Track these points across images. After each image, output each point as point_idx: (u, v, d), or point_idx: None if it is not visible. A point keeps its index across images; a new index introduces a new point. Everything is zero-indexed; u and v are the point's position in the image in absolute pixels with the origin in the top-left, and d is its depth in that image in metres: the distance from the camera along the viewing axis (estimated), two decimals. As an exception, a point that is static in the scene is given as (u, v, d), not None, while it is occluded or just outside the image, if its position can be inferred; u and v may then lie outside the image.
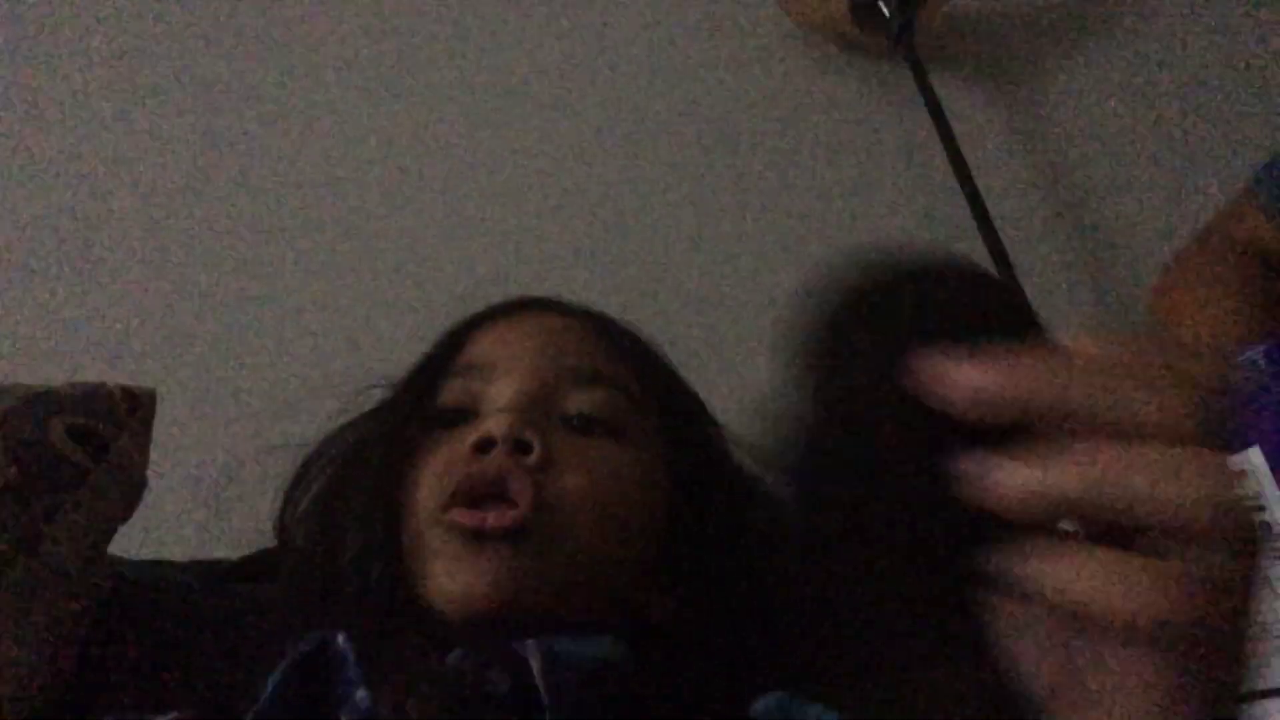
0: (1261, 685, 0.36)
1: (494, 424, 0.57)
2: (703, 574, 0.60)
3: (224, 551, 0.73)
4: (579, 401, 0.61)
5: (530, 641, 0.49)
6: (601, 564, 0.57)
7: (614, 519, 0.57)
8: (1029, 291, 1.03)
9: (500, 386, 0.61)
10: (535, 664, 0.48)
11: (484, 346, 0.64)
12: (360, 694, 0.47)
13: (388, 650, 0.51)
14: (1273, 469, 0.41)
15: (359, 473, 0.63)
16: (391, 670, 0.49)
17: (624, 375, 0.63)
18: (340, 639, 0.50)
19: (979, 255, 1.10)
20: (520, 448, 0.56)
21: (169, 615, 0.56)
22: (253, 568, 0.68)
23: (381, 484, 0.60)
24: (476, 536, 0.54)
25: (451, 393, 0.62)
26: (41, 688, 0.49)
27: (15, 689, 0.48)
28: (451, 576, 0.54)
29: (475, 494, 0.55)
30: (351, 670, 0.48)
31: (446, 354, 0.65)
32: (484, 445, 0.56)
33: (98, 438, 0.55)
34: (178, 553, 0.74)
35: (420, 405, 0.63)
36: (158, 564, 0.67)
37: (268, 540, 0.70)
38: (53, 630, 0.51)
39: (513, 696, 0.48)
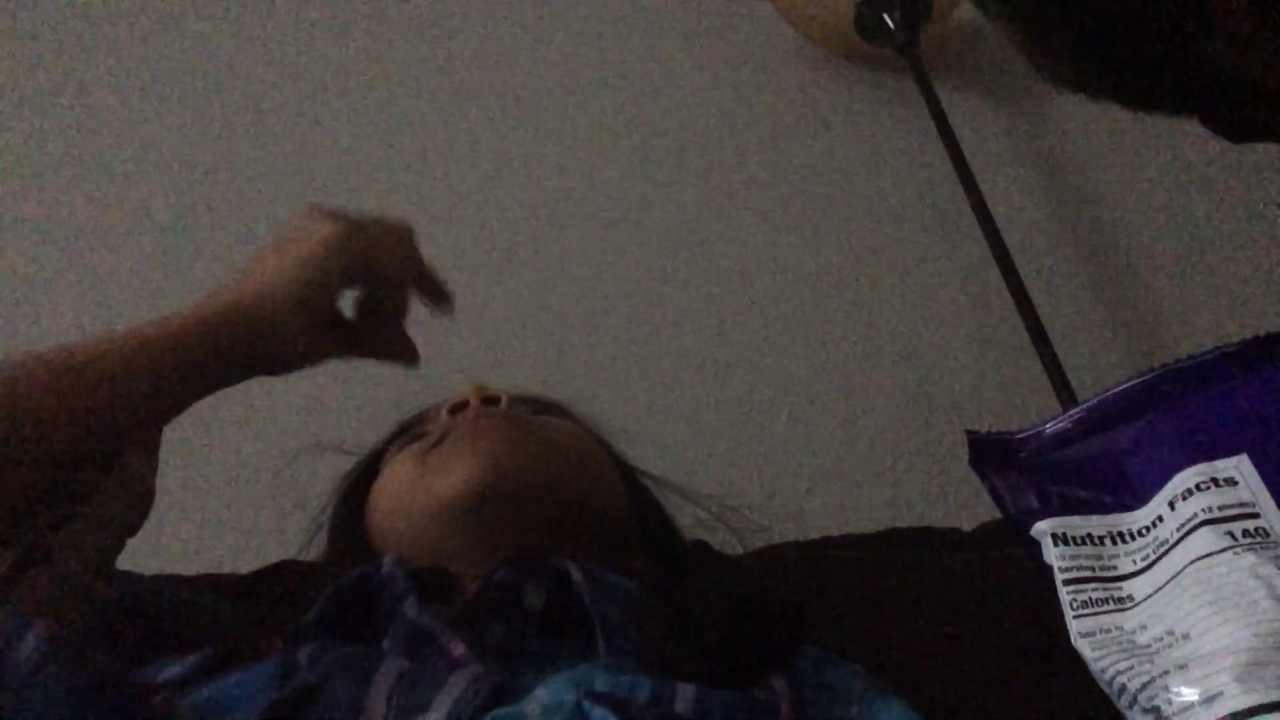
0: (1266, 699, 0.35)
1: (463, 389, 0.63)
2: (664, 542, 0.67)
3: (233, 565, 0.73)
4: (529, 407, 0.67)
5: (568, 559, 0.52)
6: (585, 469, 0.62)
7: (585, 452, 0.63)
8: (1035, 299, 1.02)
9: (454, 398, 0.65)
10: (576, 575, 0.51)
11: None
12: (409, 602, 0.50)
13: (434, 573, 0.54)
14: (1262, 476, 0.41)
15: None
16: (437, 587, 0.53)
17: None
18: (388, 561, 0.53)
19: (984, 265, 1.10)
20: (489, 401, 0.63)
21: (177, 630, 0.56)
22: (262, 583, 0.68)
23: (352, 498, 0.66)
24: (471, 433, 0.59)
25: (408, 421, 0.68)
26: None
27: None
28: (461, 463, 0.57)
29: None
30: (400, 585, 0.51)
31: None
32: (456, 409, 0.62)
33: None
34: (186, 567, 0.74)
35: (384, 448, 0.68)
36: (166, 579, 0.67)
37: (276, 554, 0.70)
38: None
39: (549, 612, 0.51)
